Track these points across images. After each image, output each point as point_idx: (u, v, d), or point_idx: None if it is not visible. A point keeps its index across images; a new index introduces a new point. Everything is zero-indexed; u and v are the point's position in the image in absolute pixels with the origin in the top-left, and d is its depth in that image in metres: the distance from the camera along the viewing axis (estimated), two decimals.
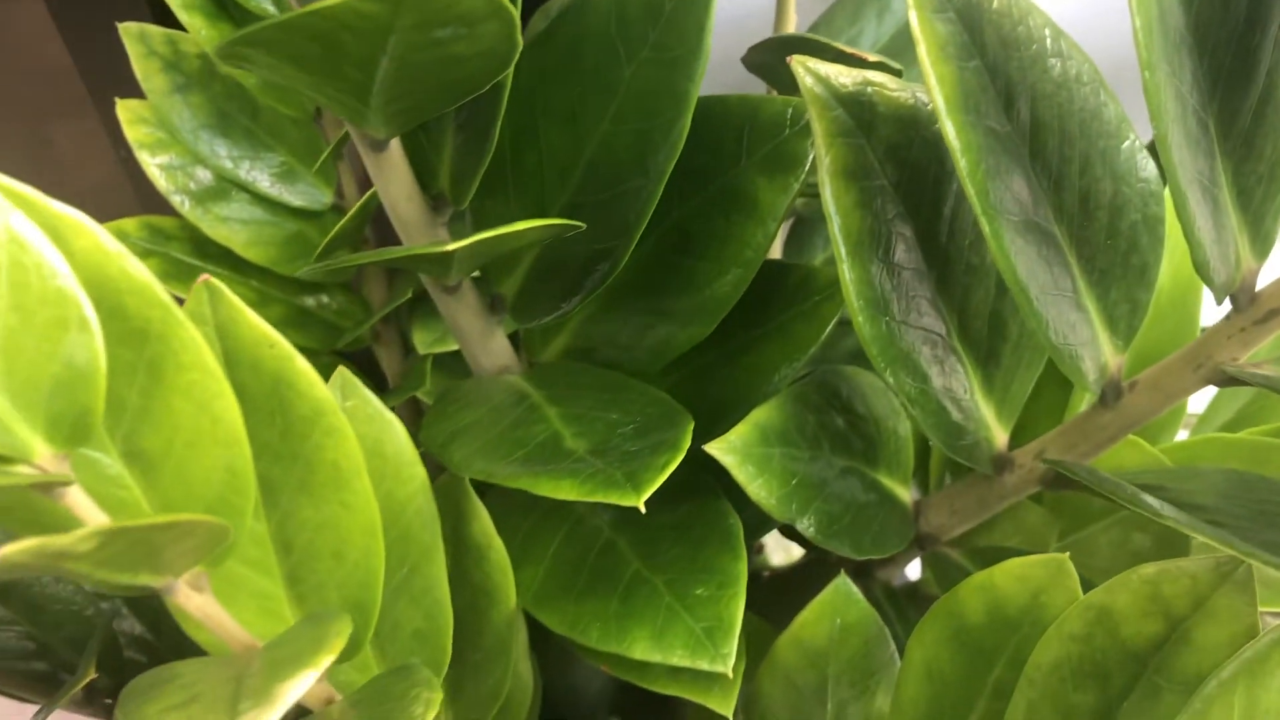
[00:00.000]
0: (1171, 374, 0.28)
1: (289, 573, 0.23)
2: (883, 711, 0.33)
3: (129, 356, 0.19)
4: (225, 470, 0.20)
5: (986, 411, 0.31)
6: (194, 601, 0.21)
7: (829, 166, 0.25)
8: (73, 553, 0.16)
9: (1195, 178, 0.23)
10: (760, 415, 0.29)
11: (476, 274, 0.31)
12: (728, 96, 0.29)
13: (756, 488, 0.29)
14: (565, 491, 0.24)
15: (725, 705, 0.29)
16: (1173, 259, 0.35)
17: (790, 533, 0.34)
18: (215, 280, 0.21)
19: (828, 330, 0.31)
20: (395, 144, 0.28)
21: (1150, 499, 0.26)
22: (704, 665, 0.25)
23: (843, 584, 0.32)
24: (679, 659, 0.26)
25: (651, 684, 0.30)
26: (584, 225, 0.27)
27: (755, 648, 0.33)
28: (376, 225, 0.40)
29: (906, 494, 0.35)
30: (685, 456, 0.25)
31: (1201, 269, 0.25)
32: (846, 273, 0.26)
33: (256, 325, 0.21)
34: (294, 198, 0.42)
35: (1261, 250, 0.25)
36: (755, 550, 0.49)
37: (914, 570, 0.45)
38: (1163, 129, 0.22)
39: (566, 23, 0.29)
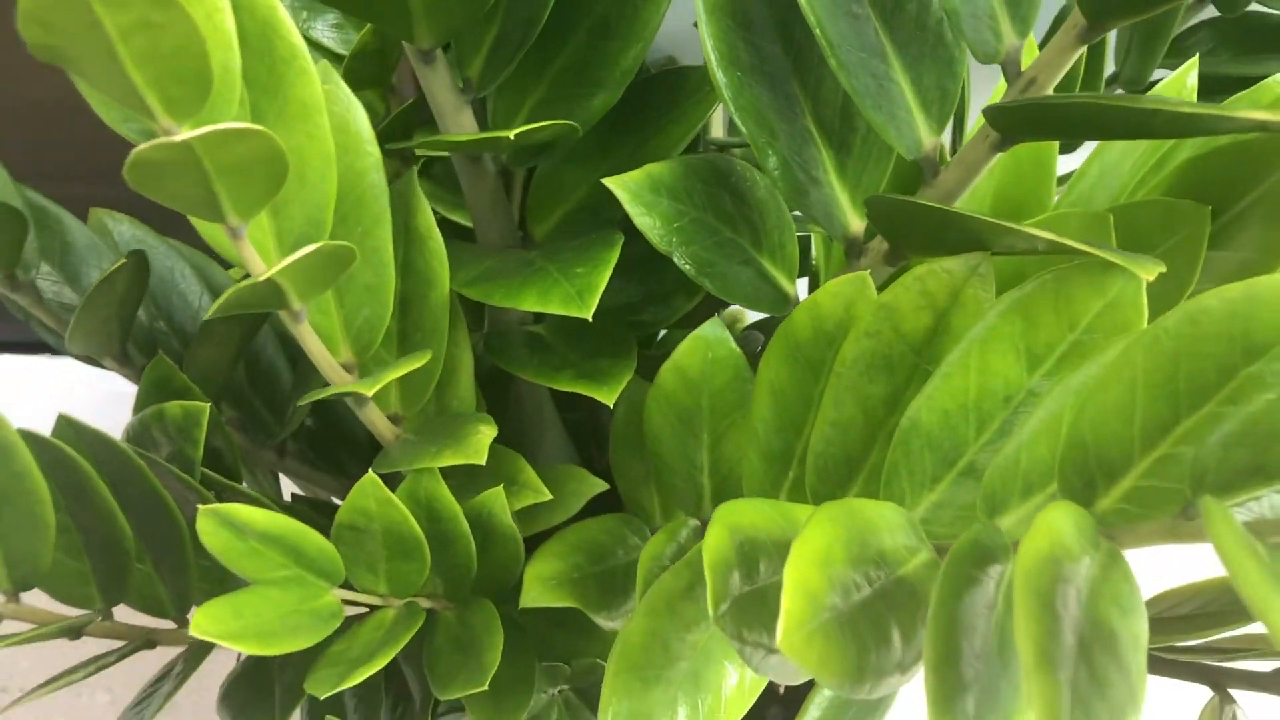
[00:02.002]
0: (973, 148, 0.36)
1: None
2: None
3: None
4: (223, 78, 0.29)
5: (841, 195, 0.39)
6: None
7: None
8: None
9: None
10: (653, 168, 0.38)
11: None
12: None
13: (643, 222, 0.37)
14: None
15: (609, 397, 0.38)
16: None
17: None
18: None
19: (697, 129, 0.39)
20: (439, 54, 0.37)
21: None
22: (574, 312, 0.33)
23: (713, 324, 0.40)
24: (556, 308, 0.34)
25: (560, 384, 0.38)
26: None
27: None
28: None
29: (790, 286, 0.43)
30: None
31: (973, 47, 0.33)
32: (705, 29, 0.34)
33: None
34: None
35: (1021, 30, 0.33)
36: None
37: None
38: None
39: None
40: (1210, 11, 0.51)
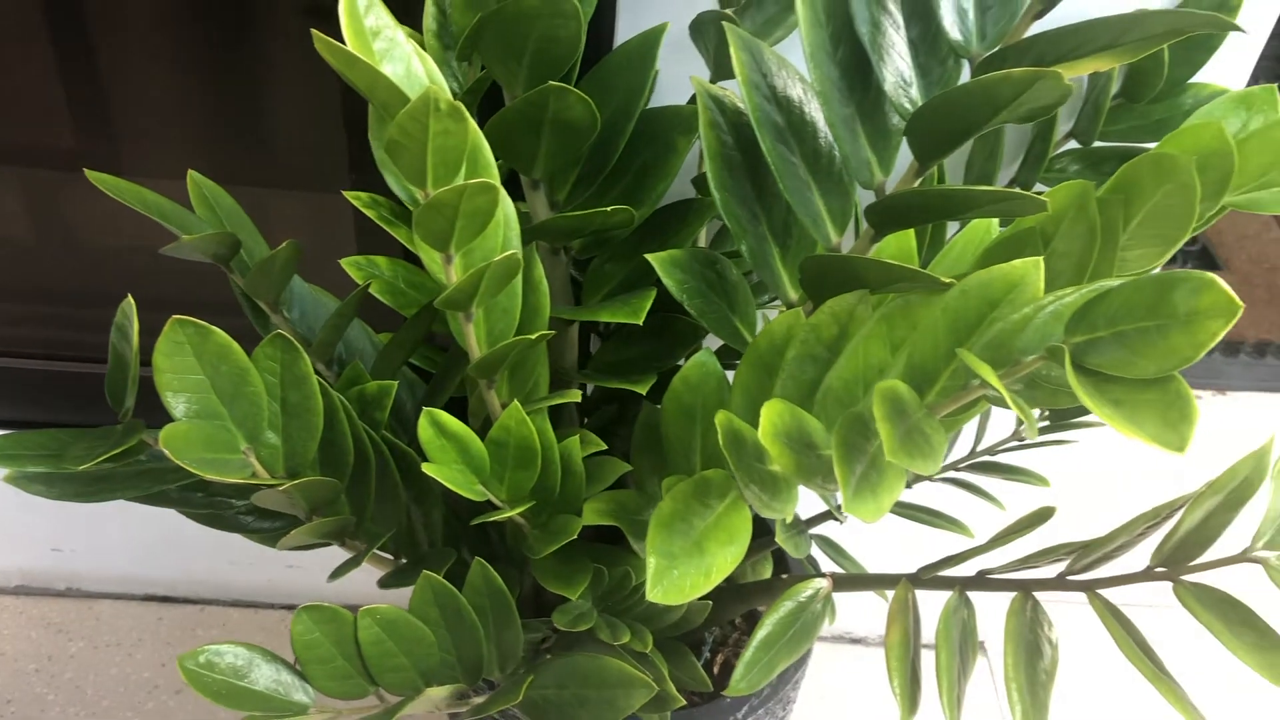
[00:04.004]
0: (862, 238, 0.61)
1: None
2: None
3: None
4: None
5: (783, 273, 0.64)
6: None
7: (705, 122, 0.60)
8: None
9: (843, 122, 0.57)
10: (673, 253, 0.63)
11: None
12: (669, 108, 0.64)
13: (668, 281, 0.61)
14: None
15: (642, 388, 0.61)
16: None
17: None
18: None
19: (697, 235, 0.65)
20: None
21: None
22: (630, 319, 0.57)
23: (706, 352, 0.64)
24: (622, 318, 0.58)
25: (617, 384, 0.62)
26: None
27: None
28: None
29: (749, 334, 0.67)
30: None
31: (859, 182, 0.59)
32: (710, 169, 0.60)
33: None
34: None
35: (885, 169, 0.59)
36: None
37: None
38: (822, 91, 0.57)
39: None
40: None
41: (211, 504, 0.62)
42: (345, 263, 0.68)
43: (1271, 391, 1.49)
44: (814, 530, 0.83)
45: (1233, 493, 0.56)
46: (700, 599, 0.73)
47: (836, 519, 0.76)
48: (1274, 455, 0.56)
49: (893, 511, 0.76)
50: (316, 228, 0.99)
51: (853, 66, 0.58)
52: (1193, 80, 0.72)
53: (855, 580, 0.70)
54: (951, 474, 0.73)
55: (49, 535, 1.11)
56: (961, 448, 0.77)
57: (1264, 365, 1.53)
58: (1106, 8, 0.70)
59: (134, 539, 1.12)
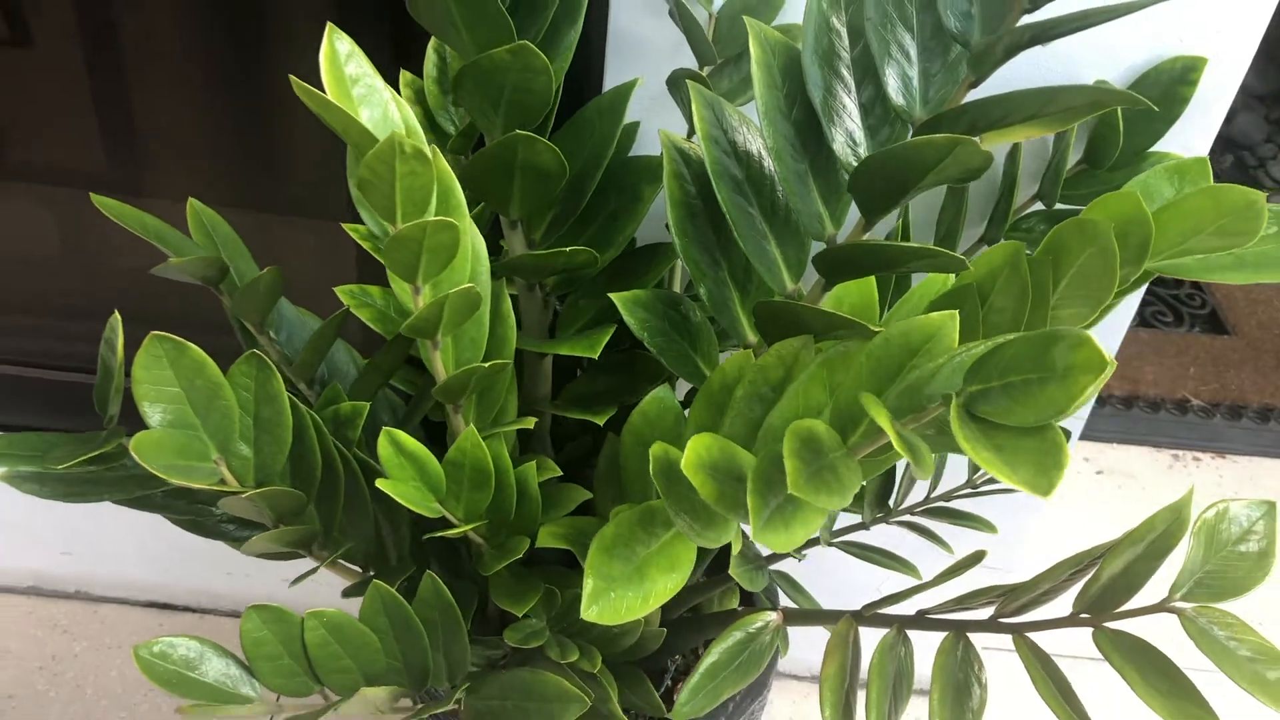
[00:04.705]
0: (814, 288, 0.64)
1: None
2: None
3: None
4: None
5: (742, 316, 0.67)
6: None
7: (669, 173, 0.64)
8: None
9: (797, 177, 0.61)
10: (637, 293, 0.66)
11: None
12: (639, 158, 0.68)
13: (630, 319, 0.65)
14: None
15: (600, 418, 0.65)
16: None
17: None
18: None
19: (662, 275, 0.68)
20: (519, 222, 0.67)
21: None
22: (587, 353, 0.61)
23: (664, 388, 0.67)
24: (580, 351, 0.61)
25: (584, 416, 0.65)
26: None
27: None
28: None
29: (710, 371, 0.70)
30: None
31: (811, 234, 0.63)
32: (671, 217, 0.63)
33: None
34: None
35: (836, 223, 0.63)
36: None
37: None
38: (775, 148, 0.60)
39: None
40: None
41: (193, 510, 0.66)
42: (340, 290, 0.73)
43: (1273, 457, 1.50)
44: (777, 566, 0.86)
45: (1153, 544, 0.58)
46: (657, 627, 0.76)
47: (794, 557, 0.78)
48: (1194, 510, 0.59)
49: (848, 551, 0.79)
50: (324, 255, 1.04)
51: (806, 126, 0.61)
52: (1153, 149, 0.75)
53: (805, 615, 0.73)
54: (908, 518, 0.76)
55: (61, 539, 1.16)
56: (918, 493, 0.79)
57: (1268, 431, 1.54)
58: (1048, 79, 0.73)
59: (142, 547, 1.17)
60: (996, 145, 0.57)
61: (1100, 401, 1.54)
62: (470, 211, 0.73)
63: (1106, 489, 1.43)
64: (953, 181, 0.54)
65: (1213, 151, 0.78)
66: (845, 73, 0.60)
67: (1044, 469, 0.42)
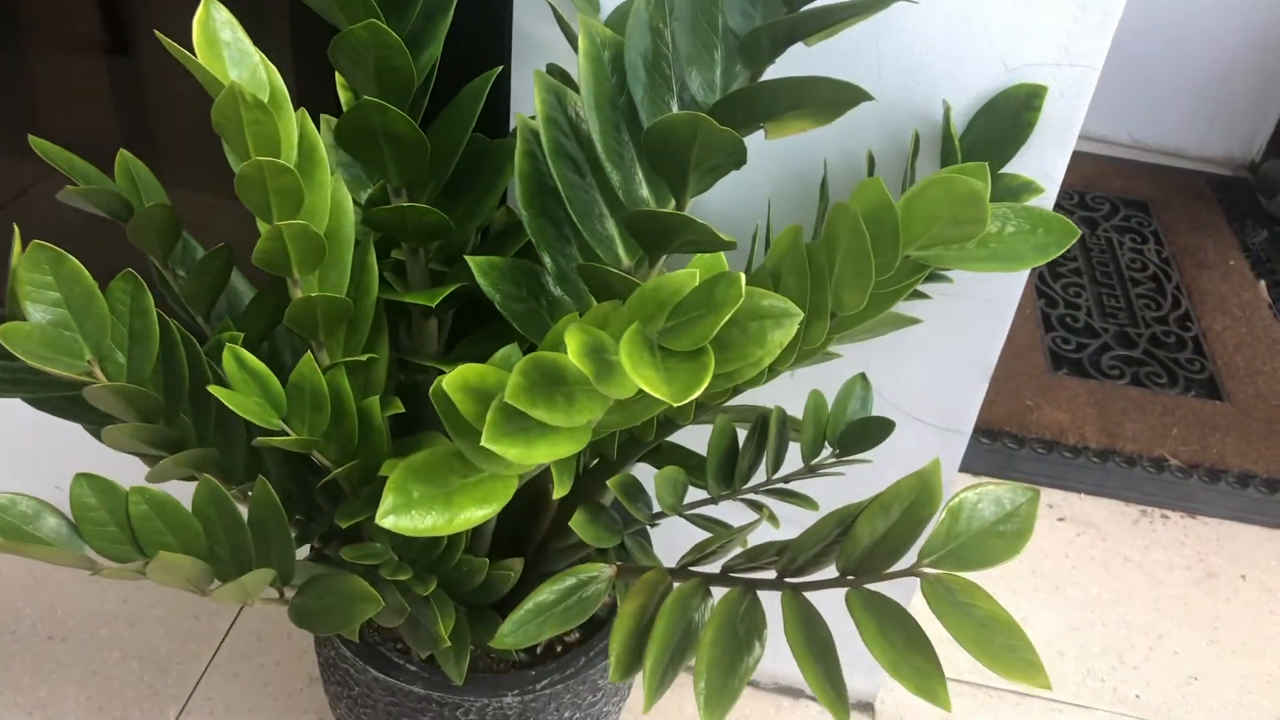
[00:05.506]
0: (644, 264, 0.71)
1: None
2: None
3: None
4: None
5: (584, 287, 0.74)
6: None
7: (520, 151, 0.72)
8: None
9: (620, 158, 0.68)
10: (494, 259, 0.74)
11: None
12: (503, 140, 0.76)
13: (483, 283, 0.73)
14: None
15: (450, 368, 0.73)
16: None
17: None
18: None
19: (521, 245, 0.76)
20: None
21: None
22: (426, 302, 0.69)
23: (510, 349, 0.74)
24: (423, 300, 0.69)
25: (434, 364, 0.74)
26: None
27: None
28: None
29: None
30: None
31: (636, 206, 0.70)
32: (518, 192, 0.71)
33: None
34: None
35: (662, 201, 0.70)
36: None
37: None
38: (601, 130, 0.68)
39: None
40: None
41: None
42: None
43: (1244, 522, 1.50)
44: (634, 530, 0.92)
45: (906, 511, 0.63)
46: (506, 570, 0.83)
47: (647, 523, 0.84)
48: (945, 480, 0.63)
49: (695, 523, 0.85)
50: None
51: (630, 111, 0.69)
52: (1004, 171, 0.80)
53: (635, 570, 0.79)
54: (750, 495, 0.82)
55: (53, 474, 1.28)
56: (760, 475, 0.85)
57: (1244, 496, 1.53)
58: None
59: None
60: (783, 137, 0.64)
61: (1075, 452, 1.56)
62: (371, 184, 0.82)
63: (1061, 535, 1.44)
64: (722, 162, 0.61)
65: None
66: (665, 66, 0.68)
67: (688, 385, 0.48)
